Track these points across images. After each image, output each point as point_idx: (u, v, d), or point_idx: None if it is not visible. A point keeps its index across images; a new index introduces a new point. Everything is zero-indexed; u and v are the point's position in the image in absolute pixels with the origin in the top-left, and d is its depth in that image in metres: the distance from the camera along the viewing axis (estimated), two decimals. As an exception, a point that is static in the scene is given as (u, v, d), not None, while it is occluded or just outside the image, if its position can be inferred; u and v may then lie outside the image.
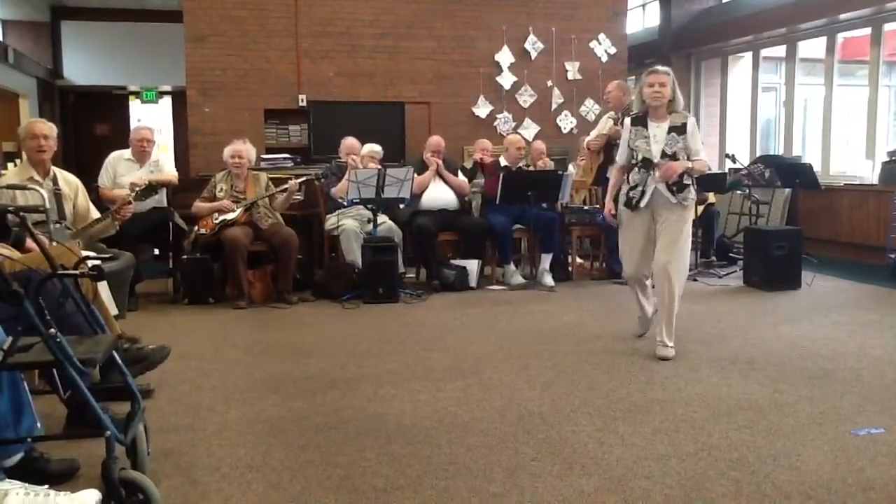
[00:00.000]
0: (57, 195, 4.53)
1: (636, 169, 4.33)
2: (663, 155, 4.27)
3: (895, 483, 2.60)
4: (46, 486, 2.17)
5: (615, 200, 4.51)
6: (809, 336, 4.68)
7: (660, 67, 4.34)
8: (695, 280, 6.66)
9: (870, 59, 8.14)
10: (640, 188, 4.31)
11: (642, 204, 4.32)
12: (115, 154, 6.24)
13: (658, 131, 4.30)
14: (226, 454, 2.90)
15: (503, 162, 6.81)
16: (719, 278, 6.76)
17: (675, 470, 2.71)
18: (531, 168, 7.01)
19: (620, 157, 4.50)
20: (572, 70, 8.72)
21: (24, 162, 4.73)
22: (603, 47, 8.80)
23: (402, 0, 8.22)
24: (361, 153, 6.58)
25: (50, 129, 4.62)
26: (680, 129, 4.29)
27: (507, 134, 7.89)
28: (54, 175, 4.64)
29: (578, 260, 7.25)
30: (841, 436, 3.03)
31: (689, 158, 4.29)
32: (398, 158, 7.53)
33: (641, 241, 4.40)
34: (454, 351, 4.42)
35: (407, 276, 6.57)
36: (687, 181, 4.31)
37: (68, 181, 4.70)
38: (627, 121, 4.45)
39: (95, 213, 4.78)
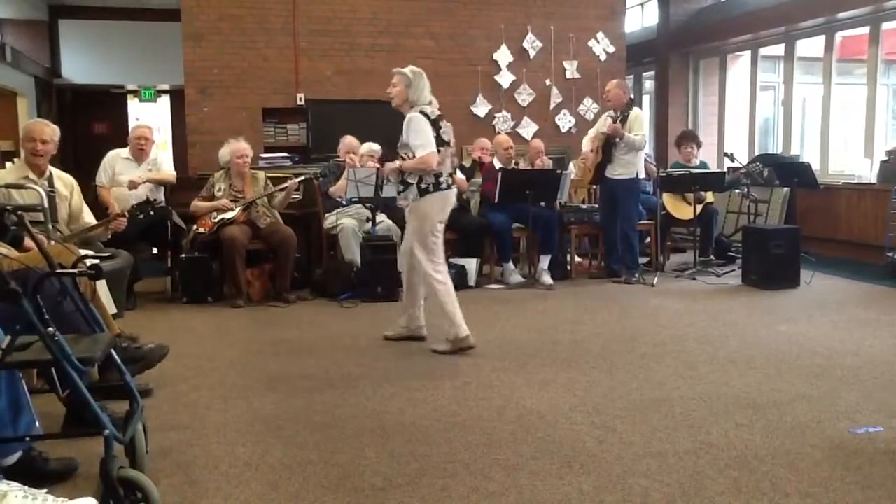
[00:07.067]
0: (51, 197, 4.51)
1: None
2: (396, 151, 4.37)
3: (894, 481, 2.60)
4: (45, 490, 2.17)
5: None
6: (808, 334, 4.68)
7: (396, 69, 4.47)
8: (693, 279, 6.68)
9: (868, 57, 8.14)
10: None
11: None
12: (112, 153, 6.24)
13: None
14: (224, 453, 2.90)
15: (497, 164, 6.80)
16: (718, 277, 6.76)
17: (673, 468, 2.72)
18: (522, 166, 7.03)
19: None
20: (571, 69, 8.72)
21: (20, 160, 4.72)
22: (601, 46, 8.80)
23: (400, -2, 8.23)
24: (360, 152, 6.58)
25: (51, 132, 4.57)
26: (405, 126, 4.35)
27: (500, 133, 7.87)
28: (50, 175, 4.62)
29: (577, 259, 7.26)
30: (839, 434, 3.03)
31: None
32: (397, 157, 7.50)
33: None
34: (453, 349, 4.42)
35: (405, 274, 6.56)
36: (411, 180, 4.35)
37: (64, 181, 4.68)
38: None
39: (88, 213, 4.76)
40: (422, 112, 4.35)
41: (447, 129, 4.47)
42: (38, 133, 4.53)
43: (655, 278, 6.51)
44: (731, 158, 7.48)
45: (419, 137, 4.29)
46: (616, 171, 6.47)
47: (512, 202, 6.42)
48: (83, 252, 3.15)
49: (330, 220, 6.36)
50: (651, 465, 2.74)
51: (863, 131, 8.17)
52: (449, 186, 4.45)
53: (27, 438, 2.51)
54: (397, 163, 4.38)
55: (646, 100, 11.78)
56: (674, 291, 6.19)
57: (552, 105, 8.72)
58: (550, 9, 8.62)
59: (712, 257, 7.32)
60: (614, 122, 6.37)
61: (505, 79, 8.55)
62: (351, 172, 5.99)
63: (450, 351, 4.29)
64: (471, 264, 6.41)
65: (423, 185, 4.35)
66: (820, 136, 8.75)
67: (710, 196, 7.32)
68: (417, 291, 4.54)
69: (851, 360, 4.09)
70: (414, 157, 4.30)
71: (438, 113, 4.46)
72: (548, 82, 8.68)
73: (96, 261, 2.68)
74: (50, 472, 2.60)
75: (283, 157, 7.73)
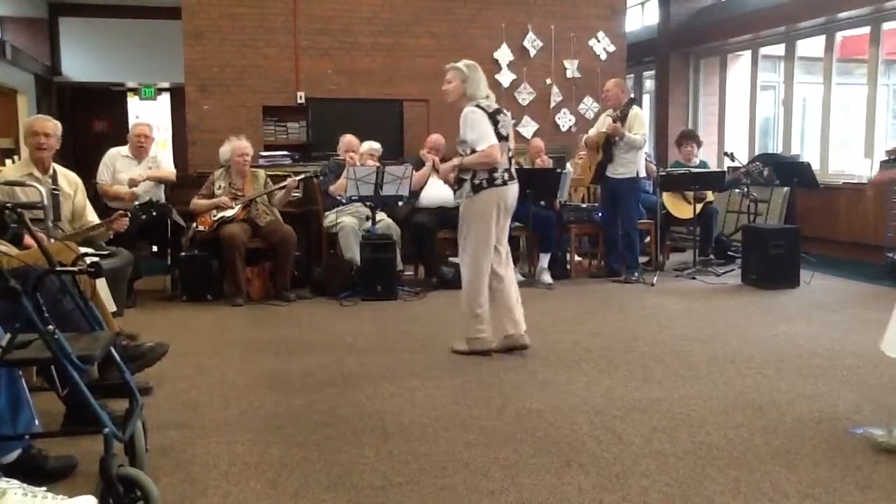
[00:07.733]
0: (54, 195, 4.51)
1: None
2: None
3: (893, 482, 2.60)
4: (44, 488, 2.17)
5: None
6: (807, 334, 4.68)
7: (449, 65, 4.30)
8: (693, 278, 6.68)
9: (868, 57, 8.13)
10: None
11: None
12: (112, 151, 6.24)
13: None
14: (224, 451, 2.90)
15: None
16: (717, 276, 6.76)
17: (673, 468, 2.72)
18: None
19: None
20: (571, 68, 8.71)
21: (24, 158, 4.72)
22: (602, 45, 8.79)
23: (401, -3, 8.23)
24: (360, 150, 6.58)
25: (54, 127, 4.58)
26: (461, 122, 4.19)
27: None
28: (54, 173, 4.62)
29: (577, 258, 7.26)
30: (839, 434, 3.03)
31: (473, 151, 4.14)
32: (397, 156, 7.53)
33: None
34: (452, 348, 4.42)
35: (405, 273, 6.57)
36: (465, 176, 4.19)
37: (69, 179, 4.68)
38: None
39: (91, 212, 4.76)
40: (478, 106, 4.18)
41: (505, 123, 4.23)
42: (40, 127, 4.54)
43: (655, 278, 6.51)
44: (732, 158, 7.49)
45: (476, 131, 4.11)
46: (617, 171, 6.47)
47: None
48: (83, 250, 3.15)
49: (330, 218, 6.36)
50: (650, 465, 2.74)
51: (863, 131, 8.17)
52: (505, 182, 4.20)
53: (27, 436, 2.51)
54: (455, 160, 4.21)
55: (646, 99, 11.78)
56: (673, 291, 6.19)
57: (552, 104, 8.71)
58: (551, 8, 8.62)
59: (712, 257, 7.31)
60: (614, 121, 6.37)
61: (505, 78, 8.55)
62: (351, 171, 5.98)
63: (468, 352, 4.20)
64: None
65: (475, 181, 4.15)
66: (820, 136, 8.75)
67: (710, 195, 7.32)
68: (499, 294, 4.29)
69: (851, 360, 4.09)
70: (473, 153, 4.14)
71: (496, 106, 4.28)
72: (548, 81, 8.67)
73: (96, 258, 2.68)
74: (49, 469, 2.60)
75: (283, 156, 7.73)
